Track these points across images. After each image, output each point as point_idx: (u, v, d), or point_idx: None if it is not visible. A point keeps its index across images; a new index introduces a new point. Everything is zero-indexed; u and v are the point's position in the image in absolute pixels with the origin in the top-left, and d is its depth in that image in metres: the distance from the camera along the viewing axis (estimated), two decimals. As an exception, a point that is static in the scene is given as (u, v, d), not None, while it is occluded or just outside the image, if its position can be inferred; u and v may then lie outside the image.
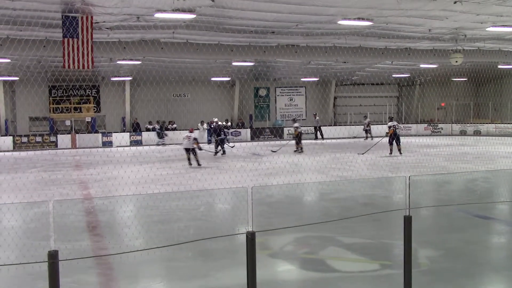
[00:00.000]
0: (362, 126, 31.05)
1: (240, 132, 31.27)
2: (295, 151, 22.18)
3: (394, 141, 19.81)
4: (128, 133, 28.82)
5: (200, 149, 17.74)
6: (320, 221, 8.34)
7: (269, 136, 31.47)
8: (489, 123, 32.54)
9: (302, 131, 23.05)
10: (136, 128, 29.31)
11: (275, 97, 34.63)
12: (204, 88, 31.87)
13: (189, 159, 17.61)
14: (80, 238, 7.93)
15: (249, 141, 30.24)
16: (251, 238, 3.71)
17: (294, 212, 9.98)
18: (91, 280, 6.04)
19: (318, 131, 31.27)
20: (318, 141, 29.61)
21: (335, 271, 6.33)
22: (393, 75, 33.25)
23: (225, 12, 15.38)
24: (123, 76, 28.43)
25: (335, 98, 35.16)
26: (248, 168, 16.58)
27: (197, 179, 14.24)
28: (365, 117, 31.66)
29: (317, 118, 31.98)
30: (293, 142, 22.93)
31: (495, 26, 17.64)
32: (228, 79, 31.19)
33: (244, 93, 33.21)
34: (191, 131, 18.04)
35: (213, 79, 30.65)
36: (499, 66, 28.79)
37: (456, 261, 6.60)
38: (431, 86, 35.72)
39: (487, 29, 18.14)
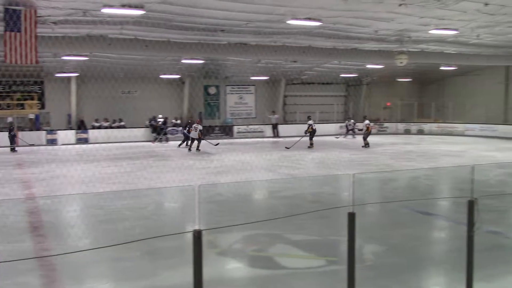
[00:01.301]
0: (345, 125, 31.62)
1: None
2: (308, 147, 22.69)
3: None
4: (74, 131, 27.97)
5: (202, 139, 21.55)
6: (269, 219, 8.41)
7: (219, 134, 31.39)
8: (432, 123, 33.73)
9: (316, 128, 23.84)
10: (81, 126, 28.50)
11: (225, 95, 34.58)
12: (153, 85, 31.38)
13: (190, 146, 21.41)
14: (21, 239, 7.66)
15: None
16: (197, 236, 3.70)
17: (243, 210, 10.00)
18: (33, 282, 5.84)
19: (275, 129, 31.50)
20: (276, 139, 29.80)
21: (283, 268, 6.40)
22: (341, 75, 33.86)
23: (174, 9, 15.22)
24: (68, 72, 27.60)
25: (285, 96, 35.47)
26: (197, 167, 16.51)
27: (145, 177, 14.05)
28: (350, 118, 32.34)
29: (276, 115, 32.23)
30: (306, 138, 23.49)
31: (438, 28, 18.29)
32: (177, 76, 30.86)
33: (193, 91, 32.96)
34: (198, 123, 21.96)
35: (162, 76, 30.25)
36: (441, 68, 29.89)
37: (399, 256, 6.82)
38: (378, 86, 36.64)
39: (430, 31, 18.78)
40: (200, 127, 21.60)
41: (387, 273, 6.10)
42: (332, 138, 28.79)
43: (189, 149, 21.89)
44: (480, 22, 17.40)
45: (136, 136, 27.60)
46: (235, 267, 6.55)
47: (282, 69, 30.68)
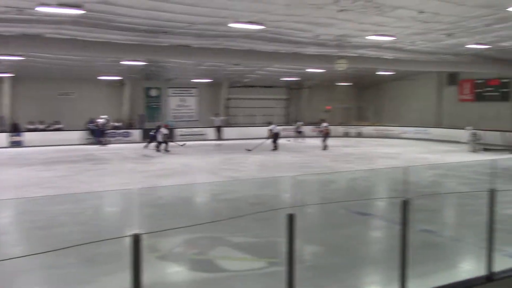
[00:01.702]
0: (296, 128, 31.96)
1: (130, 133, 30.40)
2: (272, 149, 23.23)
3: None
4: (7, 134, 26.76)
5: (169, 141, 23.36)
6: (210, 222, 8.40)
7: (161, 137, 30.98)
8: (370, 126, 34.76)
9: (279, 132, 24.57)
10: (14, 128, 27.32)
11: (167, 98, 34.19)
12: (92, 87, 30.58)
13: (158, 147, 22.98)
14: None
15: (140, 142, 29.50)
16: (136, 240, 3.64)
17: (185, 213, 9.93)
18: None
19: (219, 132, 31.43)
20: (219, 142, 29.76)
21: (224, 271, 6.42)
22: (282, 78, 34.27)
23: (115, 9, 14.89)
24: (2, 72, 26.44)
25: (228, 99, 35.49)
26: (138, 170, 16.25)
27: (84, 181, 13.68)
28: (297, 121, 32.65)
29: (220, 118, 32.19)
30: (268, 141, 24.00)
31: (376, 34, 18.88)
32: (117, 78, 30.23)
33: (134, 93, 32.37)
34: (165, 127, 23.78)
35: (101, 77, 29.54)
36: (379, 73, 30.88)
37: (338, 255, 7.00)
38: (318, 89, 37.39)
39: (369, 37, 19.35)
40: (165, 131, 23.22)
41: (325, 273, 6.25)
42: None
43: (157, 150, 22.96)
44: (415, 29, 18.10)
45: (74, 139, 26.79)
46: (176, 271, 6.50)
47: (224, 72, 30.70)
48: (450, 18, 16.08)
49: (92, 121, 27.88)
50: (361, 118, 37.64)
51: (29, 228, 8.69)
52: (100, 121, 27.91)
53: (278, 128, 24.68)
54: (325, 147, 23.90)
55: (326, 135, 24.43)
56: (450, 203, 11.21)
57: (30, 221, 9.18)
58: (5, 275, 5.92)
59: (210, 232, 7.94)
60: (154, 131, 24.23)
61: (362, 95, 38.84)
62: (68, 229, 8.52)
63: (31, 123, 27.95)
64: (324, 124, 25.08)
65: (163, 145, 23.07)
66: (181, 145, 24.26)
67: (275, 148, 23.57)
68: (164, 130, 23.32)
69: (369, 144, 25.24)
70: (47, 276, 6.20)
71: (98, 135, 27.25)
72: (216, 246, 7.36)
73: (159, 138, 23.20)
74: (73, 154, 21.45)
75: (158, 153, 22.48)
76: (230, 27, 16.88)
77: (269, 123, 25.28)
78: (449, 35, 19.01)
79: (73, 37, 17.91)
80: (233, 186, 13.20)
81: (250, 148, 22.95)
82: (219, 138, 31.15)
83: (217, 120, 31.84)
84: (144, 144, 25.19)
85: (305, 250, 6.90)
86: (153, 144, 23.87)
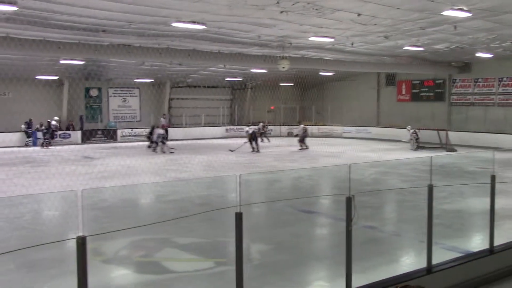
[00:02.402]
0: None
1: (70, 134, 29.48)
2: (252, 151, 22.65)
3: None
4: None
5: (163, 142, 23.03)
6: (155, 222, 8.28)
7: (102, 138, 30.23)
8: (313, 125, 35.36)
9: (255, 131, 23.79)
10: None
11: (108, 98, 33.38)
12: (28, 87, 29.36)
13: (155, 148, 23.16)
14: None
15: (79, 144, 28.66)
16: (81, 243, 3.54)
17: (130, 215, 9.74)
18: None
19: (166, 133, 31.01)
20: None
21: (171, 272, 6.35)
22: (226, 79, 34.27)
23: (52, 7, 14.39)
24: None
25: (170, 99, 35.09)
26: (79, 172, 15.78)
27: (22, 185, 13.14)
28: (259, 122, 32.02)
29: (167, 118, 31.82)
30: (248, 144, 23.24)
31: (316, 36, 19.23)
32: (55, 77, 29.22)
33: (73, 93, 31.38)
34: (163, 127, 25.13)
35: (38, 77, 28.45)
36: (320, 73, 31.47)
37: (285, 253, 7.07)
38: (262, 90, 37.61)
39: (310, 38, 19.69)
40: (161, 131, 23.51)
41: (273, 270, 6.30)
42: (219, 141, 28.95)
43: (154, 150, 23.09)
44: (354, 31, 18.58)
45: (10, 141, 25.58)
46: (121, 274, 6.36)
47: (167, 72, 30.34)
48: (387, 21, 16.63)
49: (29, 122, 26.89)
50: (304, 117, 38.21)
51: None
52: (53, 122, 27.34)
53: (253, 128, 24.11)
54: (302, 148, 24.22)
55: (304, 135, 24.84)
56: (391, 200, 11.60)
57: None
58: None
59: (156, 233, 7.83)
60: (151, 131, 24.32)
61: (305, 95, 39.43)
62: (4, 234, 8.15)
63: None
64: (302, 126, 25.76)
65: (159, 146, 22.98)
66: (172, 151, 22.94)
67: (255, 149, 22.89)
68: (159, 131, 23.51)
69: (313, 143, 25.64)
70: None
71: (47, 136, 26.49)
72: (162, 247, 7.26)
73: (154, 138, 23.22)
74: (10, 157, 20.56)
75: (154, 153, 22.58)
76: (172, 26, 16.71)
77: (247, 125, 25.43)
78: (386, 37, 19.65)
79: (7, 35, 17.15)
80: (178, 187, 13.07)
81: (232, 149, 22.89)
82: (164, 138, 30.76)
83: (163, 121, 31.50)
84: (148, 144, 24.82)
85: (254, 248, 6.94)
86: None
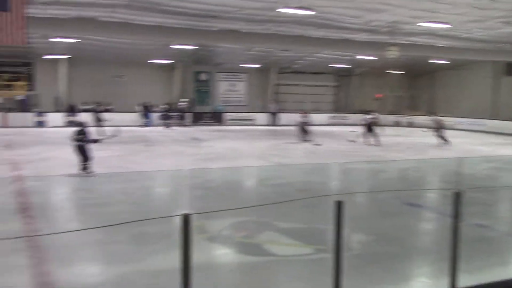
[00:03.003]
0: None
1: (181, 116, 30.83)
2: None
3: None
4: (63, 113, 27.68)
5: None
6: (258, 205, 8.45)
7: (210, 121, 31.31)
8: (422, 115, 33.86)
9: (307, 122, 21.59)
10: (71, 109, 28.22)
11: (216, 82, 34.42)
12: (142, 70, 31.15)
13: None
14: (8, 220, 7.61)
15: (189, 126, 29.92)
16: (185, 220, 3.70)
17: (233, 196, 10.00)
18: (19, 262, 5.80)
19: (275, 118, 31.64)
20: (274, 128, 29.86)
21: (271, 255, 6.44)
22: (332, 65, 33.84)
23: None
24: (58, 54, 27.32)
25: (277, 85, 35.37)
26: (188, 153, 16.49)
27: (136, 162, 14.01)
28: (368, 112, 29.67)
29: (277, 104, 32.72)
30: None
31: (428, 21, 18.33)
32: (168, 61, 30.67)
33: (184, 77, 32.77)
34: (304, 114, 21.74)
35: (152, 61, 30.04)
36: (430, 61, 29.97)
37: (386, 245, 6.89)
38: (369, 77, 36.68)
39: (421, 24, 18.81)
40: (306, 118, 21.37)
41: (373, 261, 6.17)
42: (324, 128, 28.66)
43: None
44: (470, 16, 17.47)
45: (130, 121, 27.18)
46: (224, 253, 6.57)
47: (273, 58, 30.61)
48: (508, 5, 15.37)
49: (147, 104, 28.66)
50: (412, 107, 36.73)
51: (84, 205, 9.00)
52: (182, 104, 29.56)
53: (371, 118, 21.25)
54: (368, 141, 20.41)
55: (371, 126, 20.75)
56: (505, 197, 10.82)
57: (84, 198, 9.51)
58: (62, 248, 6.16)
59: (258, 216, 7.99)
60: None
61: (414, 83, 37.86)
62: (119, 208, 8.74)
63: (85, 103, 28.70)
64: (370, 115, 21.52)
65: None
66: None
67: (372, 142, 20.23)
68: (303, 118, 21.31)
69: (421, 134, 24.61)
70: (101, 251, 6.40)
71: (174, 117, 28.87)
72: (263, 230, 7.39)
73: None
74: (128, 135, 21.94)
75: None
76: (280, 12, 16.76)
77: (367, 112, 22.42)
78: (507, 23, 18.20)
79: (125, 21, 18.25)
80: (280, 172, 13.20)
81: (353, 139, 21.03)
82: (274, 124, 31.20)
83: (273, 107, 32.10)
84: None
85: (353, 238, 6.83)
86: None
